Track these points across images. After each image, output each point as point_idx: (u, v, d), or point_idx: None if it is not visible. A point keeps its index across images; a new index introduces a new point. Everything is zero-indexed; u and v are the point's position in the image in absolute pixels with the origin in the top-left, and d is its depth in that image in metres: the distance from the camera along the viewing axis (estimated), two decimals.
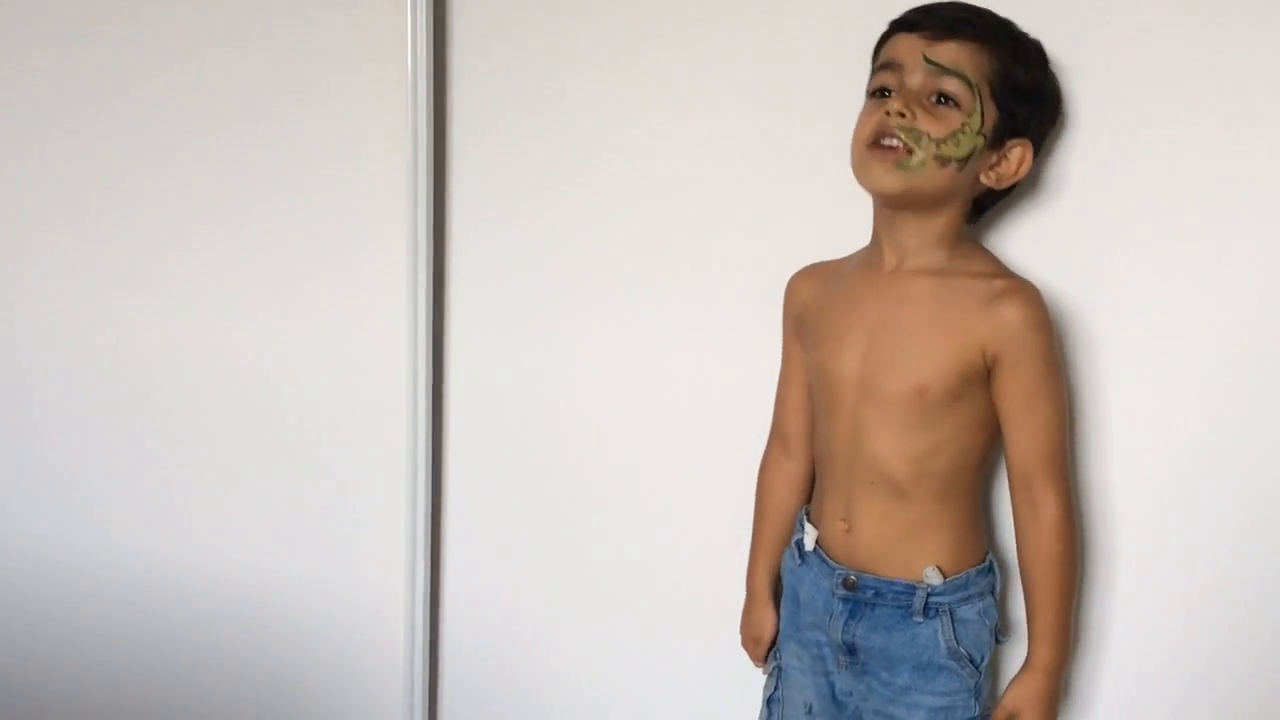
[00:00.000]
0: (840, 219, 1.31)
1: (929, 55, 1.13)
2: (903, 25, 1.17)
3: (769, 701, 1.35)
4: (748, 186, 1.42)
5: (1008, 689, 1.21)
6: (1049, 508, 1.17)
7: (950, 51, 1.13)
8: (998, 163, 1.18)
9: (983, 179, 1.18)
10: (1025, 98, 1.17)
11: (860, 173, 1.17)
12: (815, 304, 1.28)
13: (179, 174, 1.68)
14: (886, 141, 1.14)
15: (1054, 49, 1.22)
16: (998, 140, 1.16)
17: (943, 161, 1.13)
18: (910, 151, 1.13)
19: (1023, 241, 1.29)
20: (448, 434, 1.64)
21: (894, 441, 1.19)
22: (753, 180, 1.42)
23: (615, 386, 1.54)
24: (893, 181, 1.14)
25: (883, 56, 1.18)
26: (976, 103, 1.13)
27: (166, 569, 1.77)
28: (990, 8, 1.18)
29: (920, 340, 1.17)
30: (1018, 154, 1.18)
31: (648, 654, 1.57)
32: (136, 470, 1.77)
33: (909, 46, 1.15)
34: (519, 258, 1.57)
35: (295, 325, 1.67)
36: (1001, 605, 1.27)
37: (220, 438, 1.73)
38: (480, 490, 1.65)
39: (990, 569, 1.24)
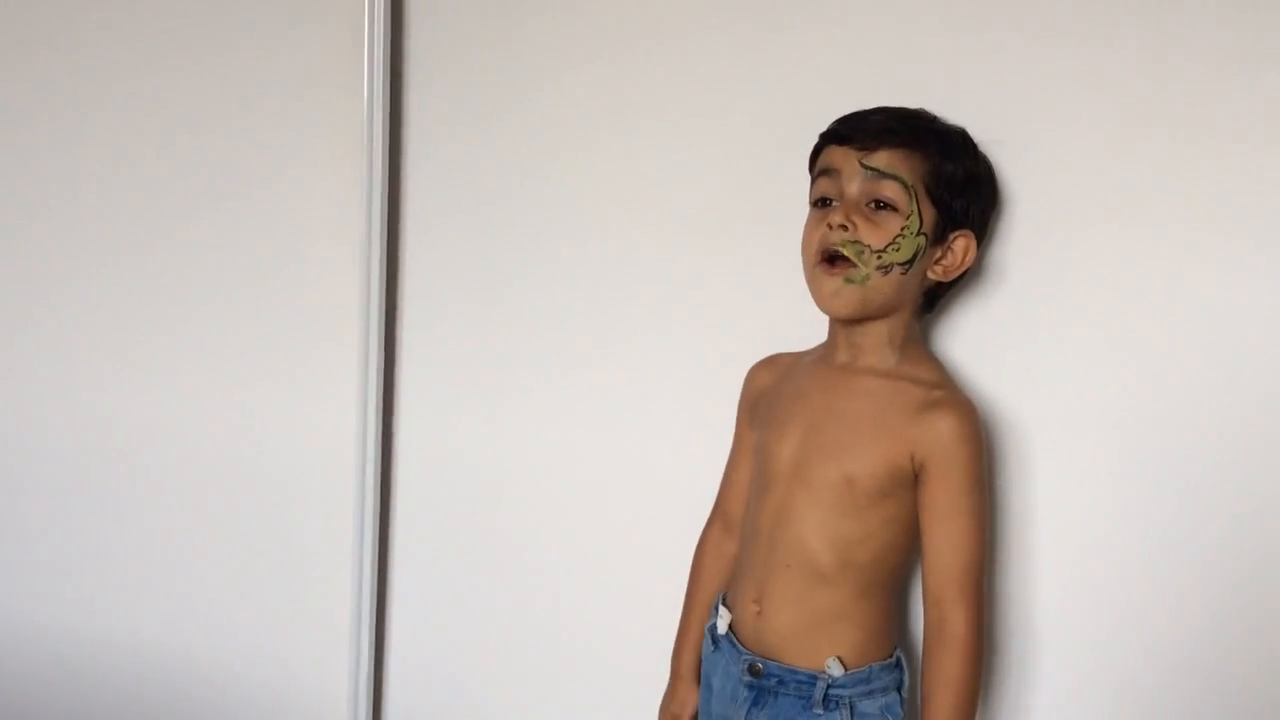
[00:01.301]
0: (797, 303, 1.30)
1: (864, 161, 1.18)
2: (834, 138, 1.22)
3: None
4: (702, 270, 1.45)
5: None
6: (957, 626, 1.17)
7: (883, 159, 1.18)
8: (942, 256, 1.22)
9: (930, 275, 1.22)
10: (960, 190, 1.21)
11: (813, 290, 1.22)
12: (770, 392, 1.32)
13: (125, 240, 1.69)
14: (832, 259, 1.18)
15: (987, 132, 1.25)
16: (940, 236, 1.20)
17: (886, 270, 1.18)
18: (854, 265, 1.17)
19: (965, 334, 1.32)
20: (395, 511, 1.66)
21: (820, 525, 1.21)
22: (707, 264, 1.45)
23: (563, 464, 1.56)
24: (842, 301, 1.19)
25: (820, 164, 1.23)
26: (913, 204, 1.17)
27: (108, 645, 1.77)
28: (921, 100, 1.23)
29: (855, 434, 1.20)
30: (961, 245, 1.22)
31: None
32: (79, 544, 1.77)
33: (844, 155, 1.20)
34: (470, 334, 1.60)
35: (243, 401, 1.68)
36: (909, 701, 1.26)
37: (165, 513, 1.73)
38: (426, 567, 1.66)
39: (897, 665, 1.24)
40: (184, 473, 1.72)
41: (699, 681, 1.37)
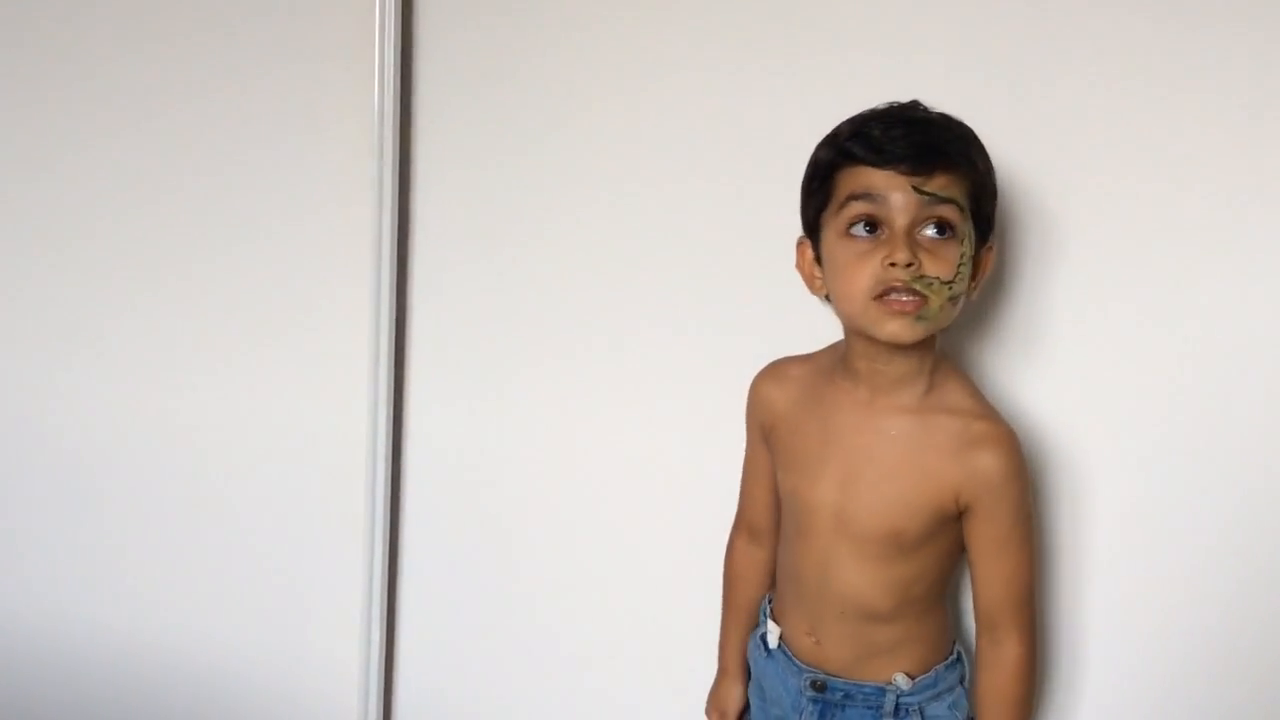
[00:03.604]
0: (810, 301, 1.25)
1: (921, 188, 1.06)
2: (866, 160, 1.08)
3: None
4: (714, 267, 1.40)
5: None
6: (1012, 649, 1.16)
7: (940, 183, 1.07)
8: (976, 274, 1.13)
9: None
10: (992, 199, 1.13)
11: (869, 324, 1.10)
12: (787, 419, 1.23)
13: (132, 237, 1.64)
14: (897, 296, 1.07)
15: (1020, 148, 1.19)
16: (977, 251, 1.12)
17: (955, 301, 1.09)
18: (926, 301, 1.07)
19: (1000, 346, 1.28)
20: (405, 507, 1.61)
21: (868, 576, 1.17)
22: (720, 260, 1.39)
23: (576, 461, 1.52)
24: (912, 335, 1.08)
25: (851, 187, 1.09)
26: (966, 225, 1.08)
27: (117, 642, 1.75)
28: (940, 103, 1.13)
29: (897, 482, 1.14)
30: (988, 259, 1.14)
31: None
32: (84, 540, 1.74)
33: (888, 179, 1.07)
34: (482, 330, 1.54)
35: (254, 397, 1.64)
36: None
37: (174, 509, 1.70)
38: (437, 564, 1.62)
39: (958, 660, 1.24)
40: (192, 468, 1.69)
41: (746, 679, 1.35)
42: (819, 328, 1.23)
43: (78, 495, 1.73)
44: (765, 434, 1.27)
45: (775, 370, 1.27)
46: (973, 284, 1.13)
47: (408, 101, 1.50)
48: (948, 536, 1.16)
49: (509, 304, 1.51)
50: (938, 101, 1.12)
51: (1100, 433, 1.26)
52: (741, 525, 1.35)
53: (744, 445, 1.31)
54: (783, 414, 1.24)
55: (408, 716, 1.67)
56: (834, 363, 1.21)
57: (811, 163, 1.14)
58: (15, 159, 1.68)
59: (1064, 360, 1.27)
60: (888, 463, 1.15)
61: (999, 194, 1.16)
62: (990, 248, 1.14)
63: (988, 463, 1.12)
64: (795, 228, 1.18)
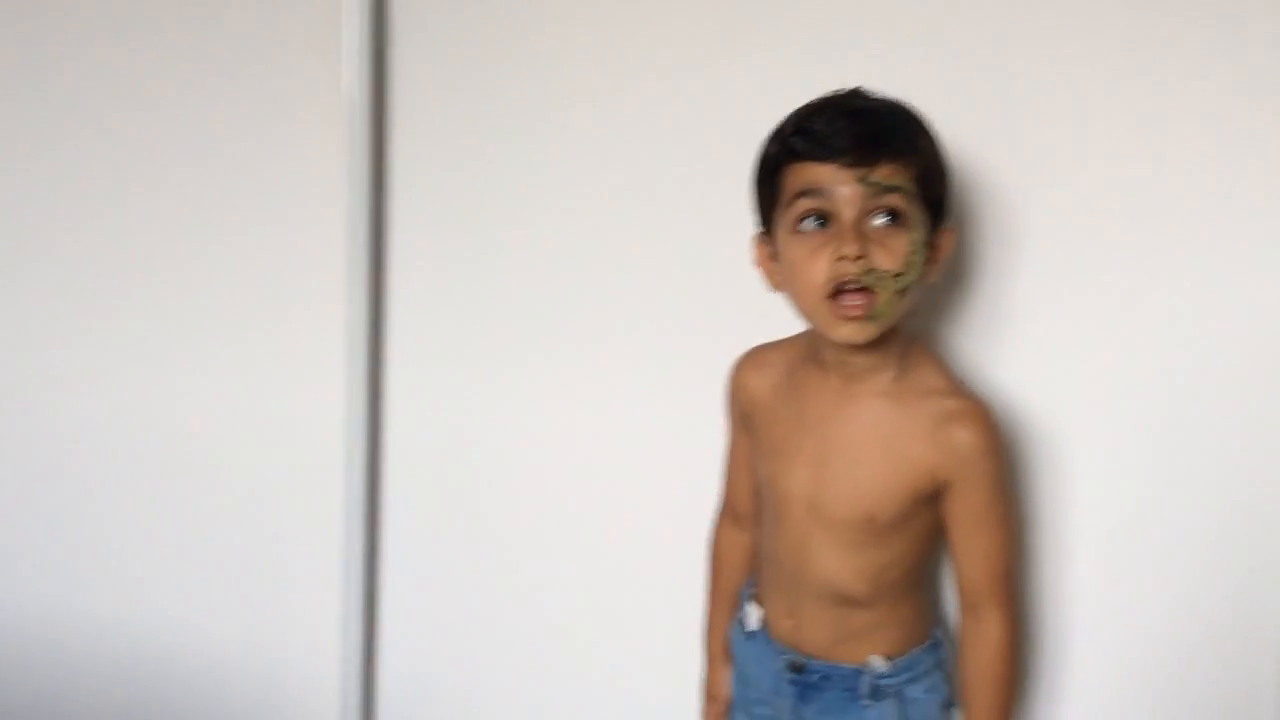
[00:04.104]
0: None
1: (867, 179, 1.07)
2: (810, 155, 1.08)
3: None
4: (697, 250, 1.40)
5: None
6: (994, 626, 1.16)
7: (885, 172, 1.07)
8: (933, 257, 1.13)
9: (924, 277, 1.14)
10: (942, 181, 1.13)
11: (822, 326, 1.11)
12: (764, 406, 1.25)
13: (106, 231, 1.65)
14: (850, 300, 1.08)
15: (986, 122, 1.19)
16: (930, 235, 1.12)
17: (904, 293, 1.09)
18: (874, 299, 1.08)
19: (973, 328, 1.28)
20: (385, 496, 1.62)
21: (844, 562, 1.18)
22: (698, 254, 1.40)
23: (559, 448, 1.53)
24: (864, 335, 1.10)
25: (796, 184, 1.10)
26: (916, 211, 1.08)
27: (97, 627, 1.76)
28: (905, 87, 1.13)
29: (870, 466, 1.15)
30: (947, 239, 1.15)
31: (587, 714, 1.58)
32: (65, 529, 1.75)
33: (832, 172, 1.07)
34: (461, 314, 1.54)
35: (228, 385, 1.65)
36: (950, 676, 1.26)
37: (148, 500, 1.70)
38: (418, 554, 1.63)
39: (937, 645, 1.24)
40: (166, 459, 1.69)
41: (731, 663, 1.36)
42: (795, 317, 1.24)
43: (57, 485, 1.74)
44: (744, 420, 1.29)
45: (753, 357, 1.28)
46: (931, 266, 1.13)
47: (382, 92, 1.50)
48: (924, 520, 1.16)
49: (487, 295, 1.52)
50: (899, 87, 1.12)
51: (1074, 411, 1.26)
52: (725, 511, 1.36)
53: (725, 432, 1.32)
54: (760, 401, 1.26)
55: (391, 704, 1.67)
56: (809, 349, 1.22)
57: (759, 159, 1.15)
58: (26, 148, 1.69)
59: (1033, 340, 1.27)
60: (861, 448, 1.16)
61: (956, 176, 1.16)
62: (949, 229, 1.14)
63: (963, 437, 1.12)
64: None
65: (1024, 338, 1.27)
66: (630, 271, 1.44)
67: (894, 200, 1.07)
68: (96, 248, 1.67)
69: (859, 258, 1.06)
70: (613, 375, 1.48)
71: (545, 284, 1.49)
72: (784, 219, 1.12)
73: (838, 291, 1.09)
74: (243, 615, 1.70)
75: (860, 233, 1.07)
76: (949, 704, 1.25)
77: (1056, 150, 1.22)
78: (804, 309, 1.13)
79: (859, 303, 1.08)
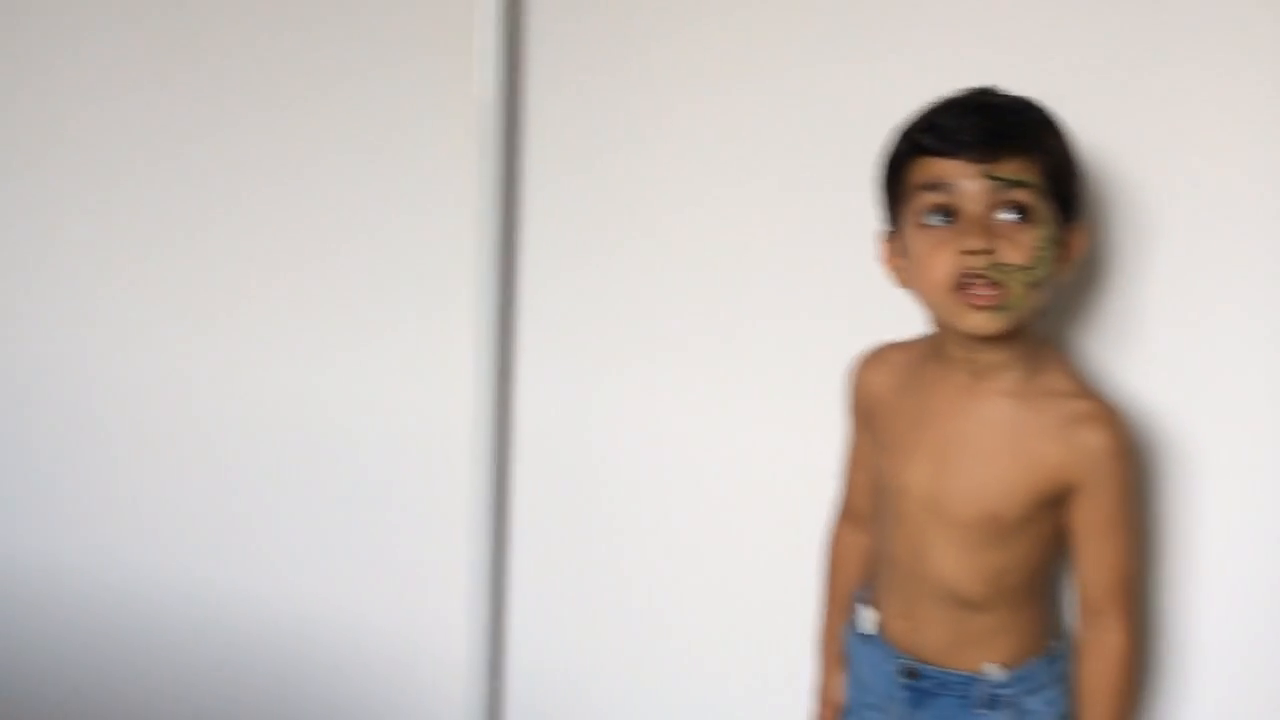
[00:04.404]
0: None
1: (992, 173, 1.06)
2: (934, 151, 1.09)
3: None
4: (820, 261, 1.41)
5: None
6: (1115, 634, 1.14)
7: (1011, 167, 1.06)
8: (1065, 255, 1.12)
9: (1054, 275, 1.12)
10: (1073, 176, 1.12)
11: (950, 317, 1.11)
12: (885, 403, 1.24)
13: (250, 222, 1.71)
14: (979, 289, 1.07)
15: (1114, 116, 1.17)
16: (1063, 232, 1.11)
17: (1036, 287, 1.08)
18: (1005, 291, 1.07)
19: (1104, 331, 1.25)
20: (513, 485, 1.65)
21: (962, 562, 1.16)
22: (826, 254, 1.40)
23: (680, 446, 1.54)
24: (995, 326, 1.09)
25: (920, 178, 1.10)
26: (1045, 207, 1.07)
27: (227, 600, 1.82)
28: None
29: (994, 466, 1.13)
30: (1080, 236, 1.13)
31: (706, 710, 1.58)
32: (202, 503, 1.82)
33: (958, 167, 1.08)
34: (587, 307, 1.57)
35: (366, 375, 1.69)
36: (1072, 692, 1.23)
37: (289, 479, 1.76)
38: (544, 543, 1.65)
39: (1056, 656, 1.22)
40: (307, 439, 1.74)
41: (845, 668, 1.36)
42: (920, 316, 1.23)
43: (202, 474, 1.81)
44: (865, 419, 1.28)
45: (876, 356, 1.28)
46: (1063, 265, 1.12)
47: (516, 93, 1.53)
48: (1046, 523, 1.15)
49: (616, 294, 1.54)
50: (1032, 84, 1.12)
51: (1207, 418, 1.22)
52: (843, 512, 1.36)
53: (846, 433, 1.32)
54: (881, 399, 1.25)
55: (518, 692, 1.70)
56: (933, 348, 1.21)
57: (884, 155, 1.15)
58: (164, 148, 1.75)
59: (1167, 345, 1.24)
60: (985, 446, 1.14)
61: (1090, 175, 1.15)
62: (1081, 227, 1.13)
63: (1094, 440, 1.10)
64: None
65: (1157, 342, 1.24)
66: (757, 271, 1.45)
67: (1021, 195, 1.07)
68: (237, 244, 1.73)
69: (985, 252, 1.06)
70: (737, 375, 1.48)
71: (672, 284, 1.50)
72: (909, 214, 1.12)
73: (964, 284, 1.08)
74: (374, 601, 1.74)
75: (986, 227, 1.07)
76: (1068, 718, 1.22)
77: (1195, 149, 1.19)
78: (930, 303, 1.13)
79: (989, 293, 1.07)
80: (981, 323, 1.09)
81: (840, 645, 1.36)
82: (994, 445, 1.14)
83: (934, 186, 1.09)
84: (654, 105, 1.48)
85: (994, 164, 1.06)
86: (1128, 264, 1.24)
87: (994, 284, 1.07)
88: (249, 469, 1.78)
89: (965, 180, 1.07)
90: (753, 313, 1.47)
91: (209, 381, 1.78)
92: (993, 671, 1.18)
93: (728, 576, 1.54)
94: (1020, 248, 1.07)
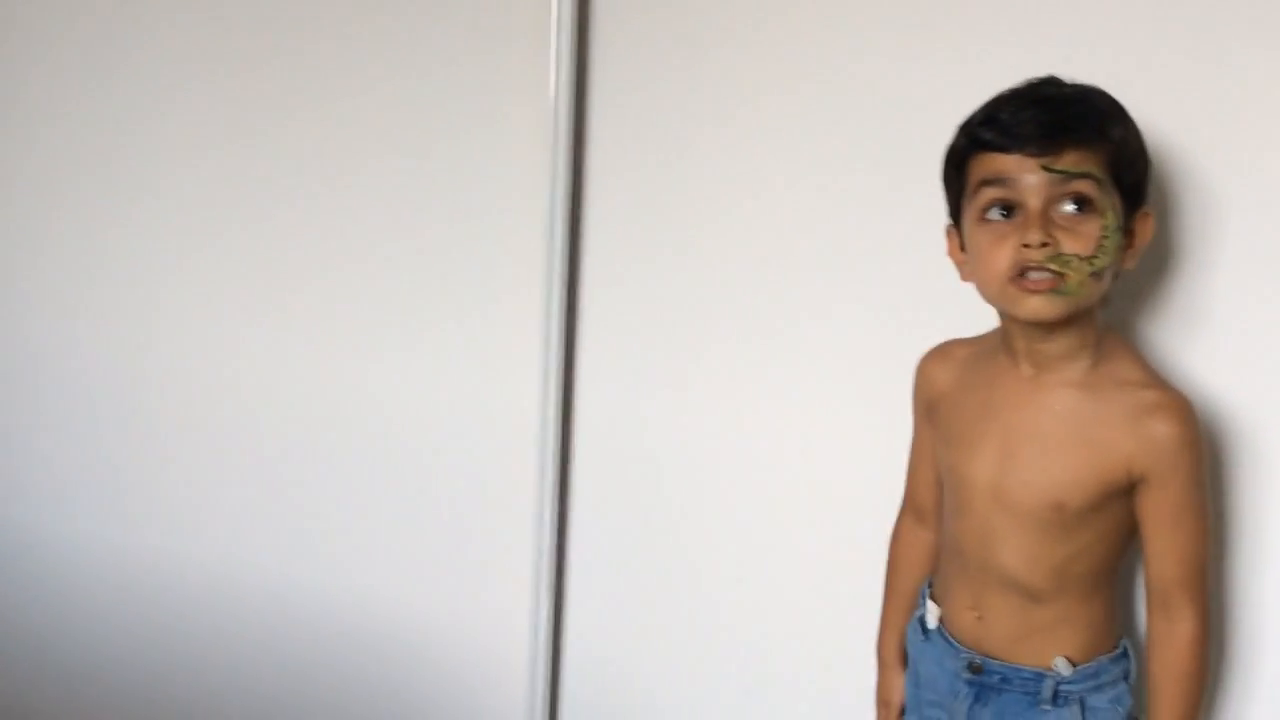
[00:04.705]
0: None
1: (1051, 166, 1.06)
2: (994, 146, 1.09)
3: None
4: (882, 257, 1.41)
5: None
6: (1185, 623, 1.13)
7: (1070, 159, 1.06)
8: (1130, 243, 1.12)
9: (1119, 264, 1.13)
10: (1137, 166, 1.11)
11: (1009, 305, 1.11)
12: (949, 396, 1.25)
13: (324, 221, 1.73)
14: (1034, 275, 1.08)
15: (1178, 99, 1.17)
16: (1128, 220, 1.11)
17: (1098, 276, 1.08)
18: (1064, 277, 1.07)
19: (1169, 320, 1.25)
20: (574, 481, 1.66)
21: (1028, 552, 1.16)
22: (888, 250, 1.41)
23: (742, 443, 1.54)
24: (1053, 310, 1.09)
25: (981, 173, 1.11)
26: (1107, 197, 1.07)
27: (294, 594, 1.85)
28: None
29: (1061, 455, 1.13)
30: (1145, 223, 1.13)
31: (765, 711, 1.58)
32: (266, 498, 1.84)
33: (1017, 162, 1.08)
34: (651, 305, 1.58)
35: (434, 371, 1.71)
36: (1136, 690, 1.22)
37: (353, 470, 1.78)
38: (604, 539, 1.66)
39: (1124, 655, 1.21)
40: (371, 431, 1.76)
41: (905, 667, 1.35)
42: (986, 312, 1.23)
43: (274, 464, 1.83)
44: (929, 413, 1.28)
45: (940, 351, 1.29)
46: (1128, 253, 1.12)
47: (583, 91, 1.55)
48: (1113, 513, 1.14)
49: (679, 291, 1.55)
50: (1099, 74, 1.12)
51: (1276, 407, 1.21)
52: (907, 507, 1.35)
53: (910, 429, 1.32)
54: (946, 392, 1.26)
55: (575, 688, 1.71)
56: (998, 342, 1.21)
57: (947, 150, 1.16)
58: (233, 137, 1.78)
59: (1235, 334, 1.23)
60: (1052, 437, 1.14)
61: (1157, 163, 1.14)
62: (1147, 215, 1.13)
63: (1162, 430, 1.10)
64: None
65: (1225, 331, 1.23)
66: (821, 268, 1.46)
67: (1082, 187, 1.07)
68: (310, 239, 1.76)
69: (1044, 244, 1.06)
70: (801, 371, 1.49)
71: (736, 281, 1.51)
72: (970, 209, 1.13)
73: (1022, 273, 1.08)
74: (437, 597, 1.75)
75: (1047, 220, 1.07)
76: (1133, 718, 1.21)
77: (1264, 137, 1.19)
78: (989, 295, 1.13)
79: (1045, 276, 1.07)
80: (1039, 307, 1.09)
81: (899, 644, 1.35)
82: (1060, 435, 1.14)
83: (993, 181, 1.09)
84: (716, 108, 1.50)
85: (1053, 157, 1.06)
86: (1196, 251, 1.24)
87: (1055, 275, 1.07)
88: (316, 464, 1.80)
89: (1025, 174, 1.07)
90: (814, 311, 1.47)
91: (280, 377, 1.81)
92: (1060, 666, 1.17)
93: (787, 575, 1.54)
94: (1082, 238, 1.07)
